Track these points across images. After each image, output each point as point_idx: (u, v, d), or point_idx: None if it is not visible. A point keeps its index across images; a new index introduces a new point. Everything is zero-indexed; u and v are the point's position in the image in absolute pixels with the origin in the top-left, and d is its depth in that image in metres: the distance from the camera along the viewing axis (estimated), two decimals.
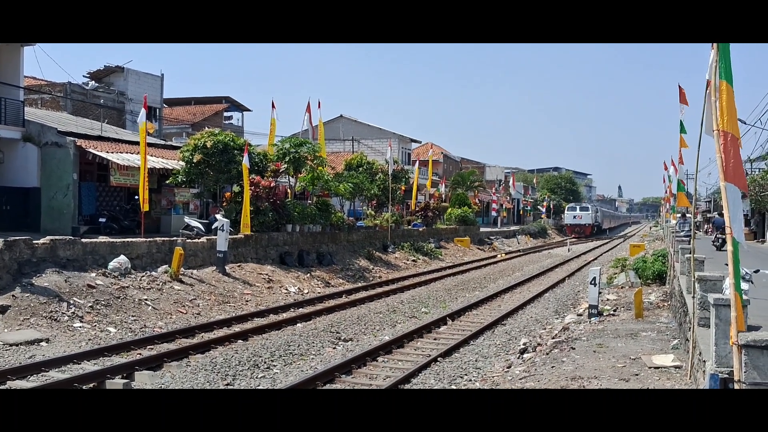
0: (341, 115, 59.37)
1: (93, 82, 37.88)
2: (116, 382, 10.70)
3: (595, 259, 40.21)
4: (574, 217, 72.49)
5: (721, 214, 49.14)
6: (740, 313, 5.61)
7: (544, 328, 16.64)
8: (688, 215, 25.06)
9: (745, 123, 36.70)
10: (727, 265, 5.85)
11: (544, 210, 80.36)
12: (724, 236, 31.16)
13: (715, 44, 6.04)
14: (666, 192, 35.90)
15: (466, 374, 12.22)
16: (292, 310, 18.25)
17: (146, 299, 16.60)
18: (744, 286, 8.63)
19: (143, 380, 11.05)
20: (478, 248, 43.46)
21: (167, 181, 25.07)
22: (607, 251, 48.52)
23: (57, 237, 16.90)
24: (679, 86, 13.61)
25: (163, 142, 32.05)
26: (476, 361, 13.27)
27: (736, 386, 5.46)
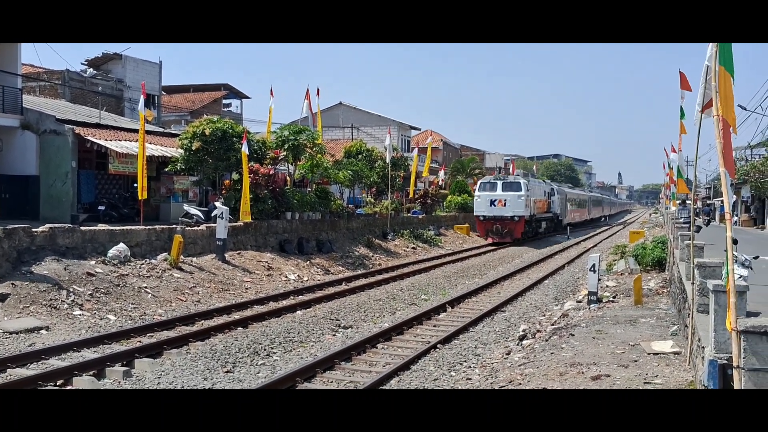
0: (340, 103, 59.21)
1: (91, 69, 37.73)
2: (116, 370, 10.72)
3: (595, 246, 40.23)
4: (492, 203, 38.64)
5: (708, 204, 49.68)
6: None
7: (544, 315, 16.66)
8: (687, 202, 25.07)
9: (745, 109, 36.62)
10: (725, 251, 5.84)
11: None
12: (708, 218, 31.94)
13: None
14: (666, 178, 35.87)
15: (465, 361, 12.24)
16: (292, 297, 18.27)
17: (146, 287, 16.61)
18: (744, 272, 8.64)
19: (143, 368, 11.06)
20: (478, 235, 43.44)
21: (166, 169, 25.03)
22: (606, 238, 48.58)
23: (56, 225, 16.88)
24: (680, 72, 13.54)
25: (161, 130, 31.95)
26: (476, 347, 13.30)
27: (735, 372, 5.46)
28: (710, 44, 6.12)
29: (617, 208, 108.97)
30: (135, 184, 23.66)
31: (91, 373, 10.52)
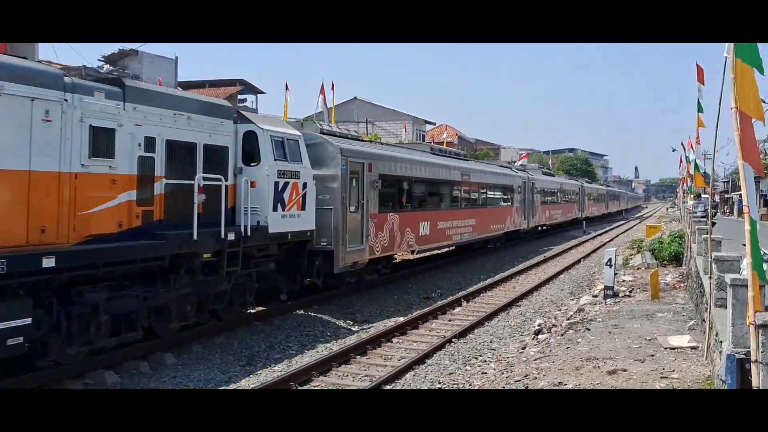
0: (355, 97, 59.15)
1: (108, 65, 37.86)
2: (136, 363, 10.81)
3: (611, 240, 40.02)
4: None
5: (726, 200, 49.08)
6: (757, 292, 5.56)
7: (559, 310, 16.61)
8: (704, 196, 24.85)
9: (765, 102, 36.20)
10: (744, 245, 5.80)
11: None
12: (715, 211, 31.78)
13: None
14: (683, 172, 35.57)
15: (480, 355, 12.23)
16: None
17: None
18: (763, 266, 8.56)
19: (162, 361, 11.13)
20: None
21: None
22: (623, 232, 48.30)
23: None
24: (697, 65, 13.42)
25: None
26: (491, 342, 13.28)
27: (753, 366, 5.43)
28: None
29: (627, 203, 77.87)
30: None
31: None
